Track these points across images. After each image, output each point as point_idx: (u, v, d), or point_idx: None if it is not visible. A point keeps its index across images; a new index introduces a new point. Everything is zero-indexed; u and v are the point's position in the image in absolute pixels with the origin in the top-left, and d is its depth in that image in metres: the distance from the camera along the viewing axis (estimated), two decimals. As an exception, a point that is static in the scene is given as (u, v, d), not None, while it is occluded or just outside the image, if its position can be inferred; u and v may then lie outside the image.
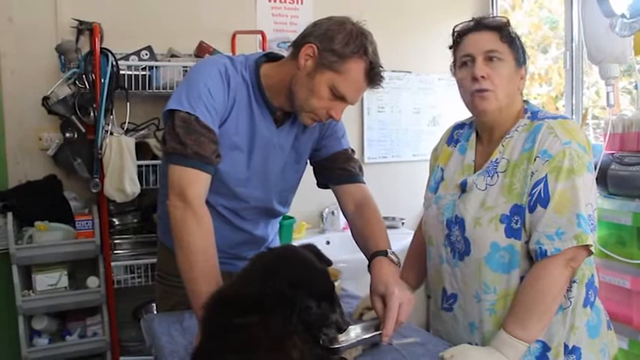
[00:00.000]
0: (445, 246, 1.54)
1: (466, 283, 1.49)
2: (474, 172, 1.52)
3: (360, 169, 1.78)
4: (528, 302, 1.35)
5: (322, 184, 1.82)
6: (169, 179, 1.49)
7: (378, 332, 1.36)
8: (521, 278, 1.41)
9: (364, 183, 1.77)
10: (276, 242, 1.93)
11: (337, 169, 1.76)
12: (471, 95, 1.47)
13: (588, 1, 2.55)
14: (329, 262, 1.27)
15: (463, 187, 1.51)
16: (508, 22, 1.47)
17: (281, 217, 1.91)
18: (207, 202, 1.51)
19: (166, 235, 1.75)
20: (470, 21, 1.51)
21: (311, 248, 1.28)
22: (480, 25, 1.48)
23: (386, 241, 1.58)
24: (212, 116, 1.52)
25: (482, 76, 1.43)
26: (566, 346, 1.43)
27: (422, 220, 1.70)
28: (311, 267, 1.18)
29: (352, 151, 1.80)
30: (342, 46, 1.47)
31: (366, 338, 1.37)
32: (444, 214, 1.54)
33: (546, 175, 1.36)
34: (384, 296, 1.38)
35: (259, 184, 1.69)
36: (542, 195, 1.35)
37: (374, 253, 1.53)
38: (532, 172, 1.38)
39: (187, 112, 1.49)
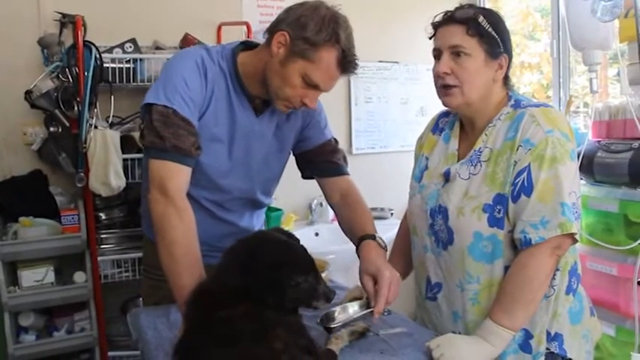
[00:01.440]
0: (429, 235, 1.54)
1: (450, 272, 1.50)
2: (457, 161, 1.52)
3: (345, 159, 1.78)
4: (514, 291, 1.36)
5: (307, 175, 1.82)
6: (149, 173, 1.48)
7: (370, 310, 1.41)
8: (506, 268, 1.41)
9: (348, 174, 1.77)
10: None
11: (323, 162, 1.76)
12: (438, 90, 1.49)
13: (572, -13, 2.55)
14: (298, 240, 1.29)
15: (447, 177, 1.51)
16: (478, 14, 1.43)
17: (266, 208, 1.90)
18: (190, 196, 1.50)
19: (150, 229, 1.74)
20: (445, 12, 1.49)
21: (280, 230, 1.30)
22: (449, 18, 1.46)
23: (372, 227, 1.61)
24: (190, 108, 1.51)
25: (446, 72, 1.44)
26: (548, 333, 1.44)
27: (407, 210, 1.70)
28: (288, 245, 1.21)
29: (335, 140, 1.80)
30: (313, 33, 1.44)
31: (359, 316, 1.43)
32: (428, 204, 1.54)
33: (529, 164, 1.35)
34: (374, 276, 1.42)
35: (242, 175, 1.68)
36: (526, 184, 1.35)
37: (362, 237, 1.55)
38: (515, 161, 1.37)
39: (164, 106, 1.48)
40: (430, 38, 1.52)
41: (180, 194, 1.45)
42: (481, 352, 1.34)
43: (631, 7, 2.34)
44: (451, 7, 1.51)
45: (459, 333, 1.48)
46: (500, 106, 1.49)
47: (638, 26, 2.27)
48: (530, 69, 4.33)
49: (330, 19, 1.46)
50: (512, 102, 1.48)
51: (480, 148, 1.46)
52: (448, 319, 1.53)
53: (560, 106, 3.24)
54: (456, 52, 1.43)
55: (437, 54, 1.48)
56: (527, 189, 1.35)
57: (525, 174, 1.35)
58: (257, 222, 1.87)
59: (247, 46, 1.65)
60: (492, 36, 1.42)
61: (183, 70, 1.53)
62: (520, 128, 1.38)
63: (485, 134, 1.47)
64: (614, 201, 2.44)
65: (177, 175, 1.46)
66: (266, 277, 1.10)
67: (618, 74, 2.55)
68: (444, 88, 1.47)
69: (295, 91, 1.51)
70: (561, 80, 3.32)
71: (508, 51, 1.46)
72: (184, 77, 1.51)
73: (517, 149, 1.37)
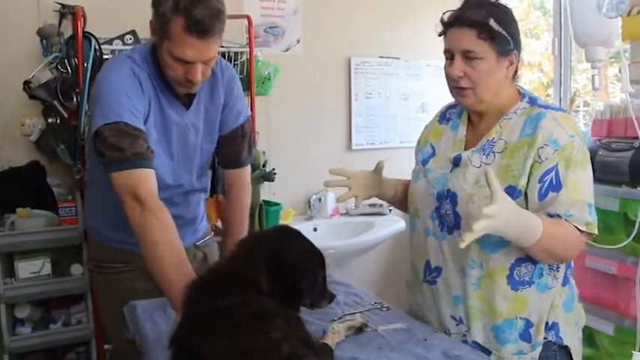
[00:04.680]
0: (433, 219, 1.55)
1: (453, 257, 1.50)
2: (465, 149, 1.53)
3: (250, 145, 1.89)
4: (558, 232, 1.34)
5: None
6: (117, 187, 1.51)
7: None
8: (517, 260, 1.42)
9: (246, 165, 1.90)
10: (204, 220, 2.01)
11: (230, 152, 1.87)
12: (452, 91, 1.51)
13: (576, -18, 2.54)
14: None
15: (456, 162, 1.52)
16: (488, 17, 1.42)
17: (204, 192, 1.98)
18: None
19: (94, 230, 1.86)
20: (454, 11, 1.48)
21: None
22: (459, 19, 1.45)
23: (244, 232, 1.85)
24: (137, 118, 1.56)
25: (459, 76, 1.45)
26: (546, 323, 1.46)
27: (409, 194, 1.70)
28: (308, 240, 1.25)
29: (248, 120, 1.87)
30: (161, 10, 1.48)
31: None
32: (435, 187, 1.54)
33: (557, 164, 1.38)
34: None
35: (184, 168, 1.76)
36: (554, 182, 1.38)
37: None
38: (540, 157, 1.38)
39: (115, 122, 1.51)
40: (439, 35, 1.51)
41: (152, 196, 1.49)
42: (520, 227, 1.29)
43: (635, 5, 2.33)
44: (453, 5, 1.49)
45: (460, 317, 1.50)
46: (513, 99, 1.51)
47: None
48: (530, 67, 4.32)
49: None
50: (527, 99, 1.50)
51: (493, 139, 1.47)
52: (448, 303, 1.52)
53: (561, 103, 3.23)
54: (468, 57, 1.43)
55: (449, 55, 1.48)
56: (557, 187, 1.37)
57: (553, 173, 1.38)
58: (201, 209, 1.95)
59: None
60: (503, 36, 1.43)
61: (121, 84, 1.56)
62: (540, 127, 1.40)
63: (500, 126, 1.48)
64: (615, 200, 2.43)
65: (145, 180, 1.51)
66: (297, 265, 1.16)
67: (620, 72, 2.54)
68: (457, 89, 1.48)
69: (174, 71, 1.55)
70: (562, 78, 3.31)
71: (518, 46, 1.48)
72: (125, 90, 1.56)
73: (542, 147, 1.38)
